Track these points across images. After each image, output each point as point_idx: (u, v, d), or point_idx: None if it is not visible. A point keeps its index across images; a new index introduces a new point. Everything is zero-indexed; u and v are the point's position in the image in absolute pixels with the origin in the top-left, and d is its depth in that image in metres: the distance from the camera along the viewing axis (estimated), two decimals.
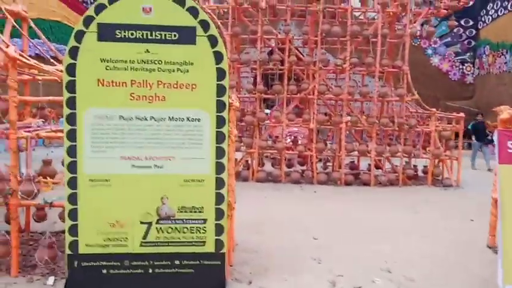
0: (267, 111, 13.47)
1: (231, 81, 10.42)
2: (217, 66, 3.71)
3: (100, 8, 3.58)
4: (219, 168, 3.78)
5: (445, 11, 11.17)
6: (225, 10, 10.90)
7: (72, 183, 3.65)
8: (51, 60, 5.41)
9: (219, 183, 3.80)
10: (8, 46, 4.02)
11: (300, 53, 11.96)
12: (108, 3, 3.58)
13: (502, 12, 20.00)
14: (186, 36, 3.67)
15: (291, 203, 8.30)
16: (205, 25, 3.68)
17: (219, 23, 10.34)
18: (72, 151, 3.63)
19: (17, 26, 5.33)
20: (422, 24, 12.11)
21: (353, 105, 11.64)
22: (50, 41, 6.60)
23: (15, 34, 5.38)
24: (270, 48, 11.61)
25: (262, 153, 11.13)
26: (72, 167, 3.63)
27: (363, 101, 11.43)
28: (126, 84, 3.65)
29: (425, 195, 9.49)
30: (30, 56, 4.74)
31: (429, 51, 23.35)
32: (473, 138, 15.20)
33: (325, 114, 11.75)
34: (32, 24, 5.66)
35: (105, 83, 3.62)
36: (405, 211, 7.92)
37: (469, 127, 21.06)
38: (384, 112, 11.31)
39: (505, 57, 19.75)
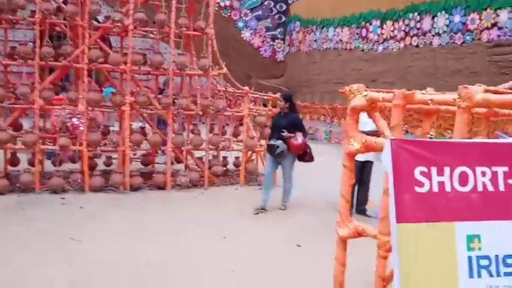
0: None
1: None
2: None
3: None
4: None
5: None
6: None
7: None
8: None
9: None
10: None
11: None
12: None
13: None
14: None
15: (27, 239, 5.04)
16: None
17: None
18: None
19: None
20: None
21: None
22: None
23: None
24: None
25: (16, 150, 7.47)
26: None
27: (156, 74, 8.52)
28: None
29: (235, 201, 7.14)
30: None
31: (240, 24, 21.55)
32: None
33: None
34: None
35: None
36: (209, 233, 5.40)
37: None
38: (183, 90, 8.60)
39: (315, 34, 18.90)
